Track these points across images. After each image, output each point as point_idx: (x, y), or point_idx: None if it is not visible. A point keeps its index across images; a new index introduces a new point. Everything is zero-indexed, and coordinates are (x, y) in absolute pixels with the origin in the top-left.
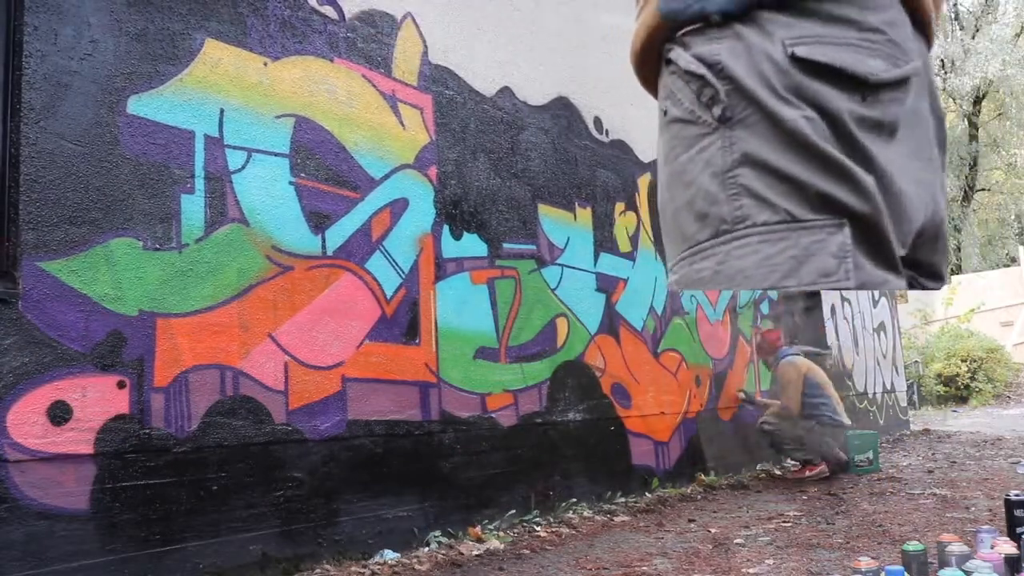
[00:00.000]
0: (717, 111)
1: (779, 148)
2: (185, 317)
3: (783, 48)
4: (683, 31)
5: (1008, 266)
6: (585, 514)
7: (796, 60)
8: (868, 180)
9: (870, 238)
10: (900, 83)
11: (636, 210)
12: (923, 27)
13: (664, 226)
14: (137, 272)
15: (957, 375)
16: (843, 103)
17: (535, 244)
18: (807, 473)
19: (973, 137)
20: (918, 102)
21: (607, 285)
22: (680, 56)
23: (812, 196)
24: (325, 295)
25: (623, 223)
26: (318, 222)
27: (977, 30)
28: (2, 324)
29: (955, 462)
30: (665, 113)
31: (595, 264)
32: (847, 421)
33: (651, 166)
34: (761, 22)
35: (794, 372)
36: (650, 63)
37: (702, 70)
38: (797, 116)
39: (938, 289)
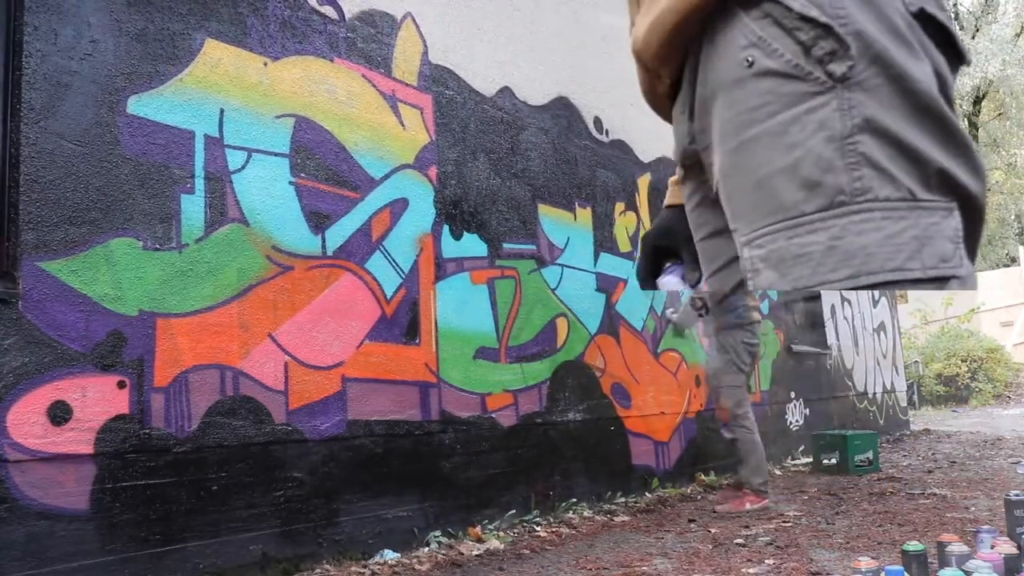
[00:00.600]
0: (838, 68)
1: (904, 115)
2: (185, 317)
3: (903, 3)
4: None
5: (1008, 266)
6: (585, 514)
7: (921, 17)
8: (982, 159)
9: (972, 224)
10: (961, 66)
11: (636, 210)
12: None
13: (736, 193)
14: (137, 272)
15: (957, 375)
16: (949, 75)
17: (535, 244)
18: (747, 505)
19: (973, 137)
20: None
21: (607, 285)
22: None
23: (932, 174)
24: (325, 295)
25: (623, 223)
26: (318, 222)
27: (977, 30)
28: (2, 324)
29: (955, 462)
30: (750, 64)
31: (595, 264)
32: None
33: (651, 166)
34: None
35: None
36: (696, 21)
37: (825, 19)
38: (928, 76)
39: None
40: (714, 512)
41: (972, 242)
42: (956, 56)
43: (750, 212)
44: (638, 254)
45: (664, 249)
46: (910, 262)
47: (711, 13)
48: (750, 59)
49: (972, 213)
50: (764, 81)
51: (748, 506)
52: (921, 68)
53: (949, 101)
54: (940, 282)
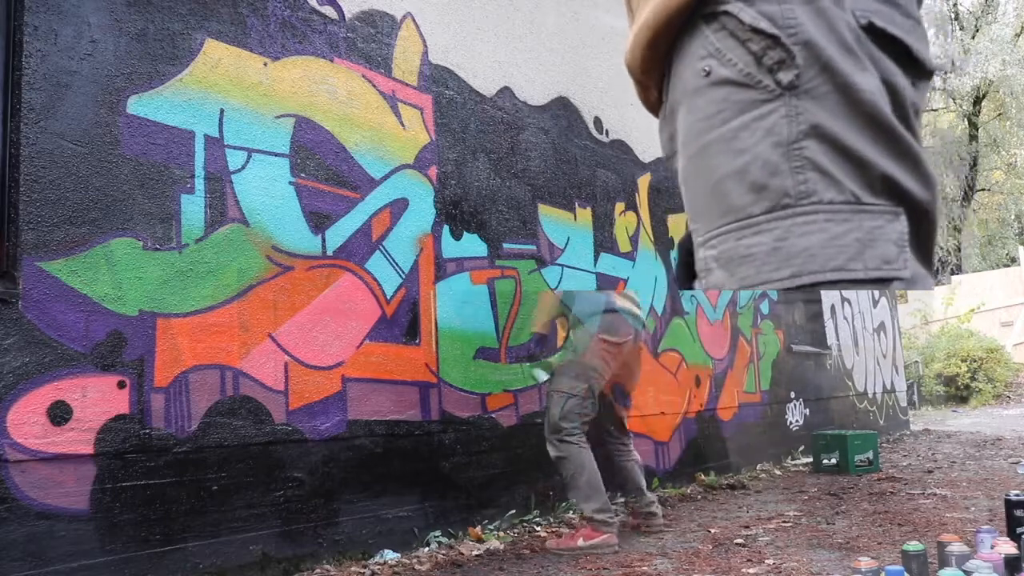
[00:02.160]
0: (785, 76)
1: (849, 123)
2: (185, 317)
3: (855, 16)
4: None
5: (1008, 266)
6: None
7: (870, 30)
8: (930, 167)
9: (921, 229)
10: (931, 75)
11: (636, 210)
12: None
13: (695, 196)
14: (137, 272)
15: (957, 375)
16: (904, 83)
17: (535, 244)
18: (579, 541)
19: (973, 137)
20: None
21: (607, 285)
22: (744, 12)
23: (876, 179)
24: (325, 295)
25: (623, 223)
26: (318, 222)
27: (977, 30)
28: (2, 324)
29: (955, 462)
30: (707, 73)
31: (595, 264)
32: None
33: (651, 166)
34: None
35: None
36: (669, 34)
37: (773, 30)
38: (874, 87)
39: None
40: (545, 548)
41: (924, 247)
42: (917, 67)
43: (705, 214)
44: (675, 258)
45: None
46: (852, 263)
47: (680, 27)
48: (707, 69)
49: (921, 219)
50: (719, 89)
51: (581, 542)
52: (867, 79)
53: (903, 110)
54: (883, 283)
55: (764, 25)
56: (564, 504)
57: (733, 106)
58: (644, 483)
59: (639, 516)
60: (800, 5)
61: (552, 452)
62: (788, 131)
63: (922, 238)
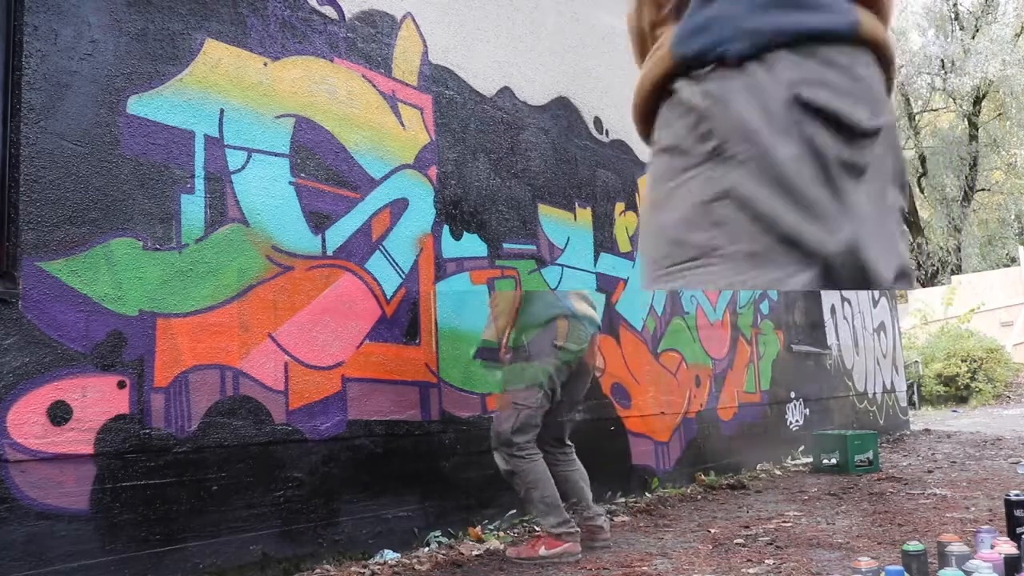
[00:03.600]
0: (711, 145)
1: (763, 186)
2: (185, 317)
3: (787, 89)
4: (697, 71)
5: (1008, 266)
6: (585, 514)
7: (799, 102)
8: (841, 222)
9: (843, 272)
10: (877, 132)
11: (636, 210)
12: (887, 66)
13: (642, 242)
14: (137, 272)
15: (957, 375)
16: (832, 146)
17: (535, 244)
18: (541, 550)
19: (973, 137)
20: (885, 147)
21: (607, 285)
22: (684, 89)
23: (783, 235)
24: (325, 295)
25: (623, 223)
26: (318, 222)
27: (977, 30)
28: (2, 324)
29: (955, 462)
30: (657, 140)
31: (595, 264)
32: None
33: None
34: (771, 62)
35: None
36: (652, 104)
37: (704, 104)
38: (791, 156)
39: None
40: (506, 557)
41: (855, 284)
42: (848, 129)
43: (644, 259)
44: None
45: None
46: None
47: (657, 97)
48: (658, 137)
49: (829, 272)
50: (664, 155)
51: (543, 551)
52: (786, 147)
53: (827, 170)
54: None
55: (697, 100)
56: (564, 504)
57: (671, 171)
58: (589, 495)
59: (584, 529)
60: (735, 80)
61: (501, 465)
62: (704, 193)
63: (846, 278)
